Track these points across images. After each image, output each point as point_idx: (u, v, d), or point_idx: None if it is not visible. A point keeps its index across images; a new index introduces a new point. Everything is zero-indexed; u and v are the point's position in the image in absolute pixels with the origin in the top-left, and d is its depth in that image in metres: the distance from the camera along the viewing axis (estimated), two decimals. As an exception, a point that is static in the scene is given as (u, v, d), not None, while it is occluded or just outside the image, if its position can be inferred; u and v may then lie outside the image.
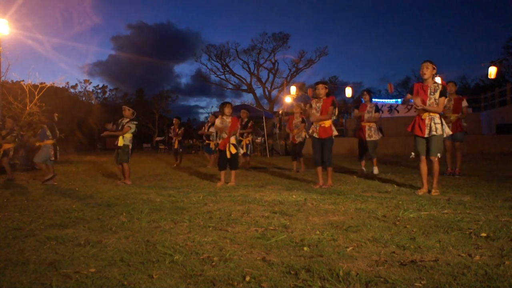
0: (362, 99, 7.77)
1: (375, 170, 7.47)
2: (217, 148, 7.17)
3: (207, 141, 11.35)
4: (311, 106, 6.10)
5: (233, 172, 6.59)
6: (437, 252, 2.53)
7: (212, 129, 10.72)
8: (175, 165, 11.29)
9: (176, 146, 11.54)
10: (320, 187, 5.80)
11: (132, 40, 59.41)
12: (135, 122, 7.13)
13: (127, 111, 7.14)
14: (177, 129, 11.64)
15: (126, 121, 7.05)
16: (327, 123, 5.91)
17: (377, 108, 7.59)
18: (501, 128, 14.37)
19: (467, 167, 8.08)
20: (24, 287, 2.12)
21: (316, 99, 6.03)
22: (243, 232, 3.21)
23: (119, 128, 7.08)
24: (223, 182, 6.52)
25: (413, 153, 5.18)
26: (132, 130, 7.04)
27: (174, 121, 12.09)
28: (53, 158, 7.23)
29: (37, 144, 7.36)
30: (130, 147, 7.06)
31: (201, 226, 3.45)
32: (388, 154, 12.94)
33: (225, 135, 6.56)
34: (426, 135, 4.93)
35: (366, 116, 7.56)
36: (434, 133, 4.88)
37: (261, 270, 2.27)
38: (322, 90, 5.96)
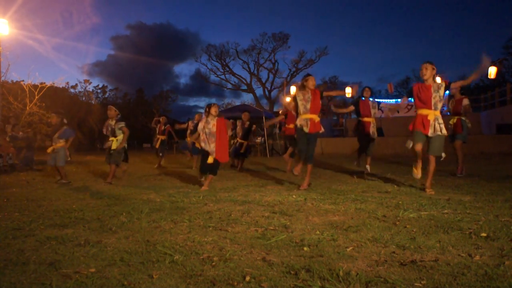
0: (363, 96, 7.69)
1: (369, 168, 7.41)
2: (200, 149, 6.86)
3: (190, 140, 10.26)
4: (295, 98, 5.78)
5: (210, 176, 6.08)
6: (437, 252, 2.53)
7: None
8: (156, 165, 10.59)
9: (157, 146, 10.93)
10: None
11: (131, 40, 59.36)
12: (123, 122, 7.05)
13: (113, 112, 7.04)
14: (163, 126, 11.08)
15: (114, 122, 6.97)
16: (317, 118, 5.73)
17: (378, 105, 7.64)
18: (501, 128, 14.36)
19: (467, 167, 8.07)
20: (24, 287, 2.12)
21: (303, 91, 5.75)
22: (243, 232, 3.21)
23: (109, 131, 7.01)
24: (207, 186, 6.00)
25: (409, 142, 5.12)
26: (118, 130, 6.97)
27: (161, 119, 11.43)
28: (69, 159, 7.27)
29: (54, 147, 7.23)
30: (125, 147, 7.02)
31: (201, 226, 3.45)
32: (388, 154, 12.92)
33: (209, 145, 5.96)
34: (429, 134, 4.96)
35: (372, 112, 7.47)
36: (438, 133, 4.93)
37: (261, 270, 2.27)
38: (311, 81, 5.72)
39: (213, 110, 6.05)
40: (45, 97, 15.01)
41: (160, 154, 10.87)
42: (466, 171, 7.11)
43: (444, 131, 4.94)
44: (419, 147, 5.06)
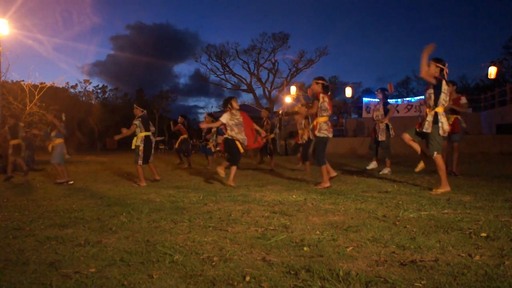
0: (378, 98, 7.89)
1: (385, 170, 7.41)
2: (217, 148, 7.08)
3: (205, 142, 10.73)
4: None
5: (233, 167, 6.31)
6: (437, 252, 2.53)
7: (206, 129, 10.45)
8: (186, 165, 10.73)
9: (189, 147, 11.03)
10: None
11: (131, 40, 59.35)
12: (138, 118, 6.99)
13: (136, 109, 7.14)
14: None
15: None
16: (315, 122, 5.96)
17: (385, 103, 7.70)
18: (501, 128, 14.35)
19: (467, 167, 8.08)
20: (24, 287, 2.12)
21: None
22: (243, 232, 3.21)
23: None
24: (233, 182, 6.29)
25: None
26: (137, 128, 6.91)
27: (180, 119, 11.41)
28: (67, 156, 7.28)
29: (50, 145, 7.31)
30: (141, 147, 6.84)
31: (201, 226, 3.45)
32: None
33: (239, 134, 6.21)
34: (418, 129, 5.14)
35: (374, 114, 7.73)
36: (423, 130, 5.04)
37: (261, 270, 2.27)
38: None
39: (235, 104, 6.37)
40: (45, 97, 15.00)
41: (186, 154, 10.89)
42: (466, 171, 7.11)
43: (429, 129, 5.00)
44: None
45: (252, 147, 6.45)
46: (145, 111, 7.21)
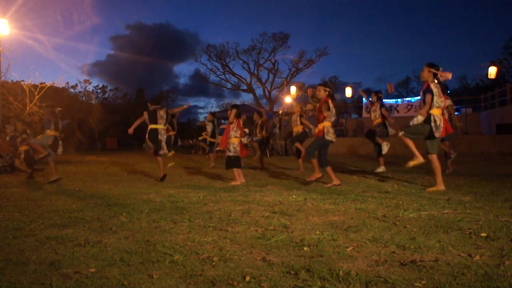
0: (372, 101, 8.34)
1: (383, 146, 7.75)
2: (217, 148, 7.39)
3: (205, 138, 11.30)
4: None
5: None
6: (437, 252, 2.53)
7: (207, 127, 11.16)
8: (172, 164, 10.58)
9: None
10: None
11: (131, 40, 59.38)
12: (146, 111, 7.41)
13: (150, 107, 7.42)
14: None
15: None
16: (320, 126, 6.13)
17: (382, 105, 8.10)
18: (501, 128, 14.34)
19: (467, 167, 8.08)
20: (24, 287, 2.12)
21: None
22: (243, 232, 3.21)
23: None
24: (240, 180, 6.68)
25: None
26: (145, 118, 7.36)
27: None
28: (50, 150, 7.42)
29: (40, 136, 7.60)
30: (147, 137, 7.32)
31: (201, 226, 3.45)
32: (388, 154, 12.88)
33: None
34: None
35: (372, 115, 8.23)
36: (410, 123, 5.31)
37: (261, 270, 2.27)
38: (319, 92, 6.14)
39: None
40: (45, 97, 15.00)
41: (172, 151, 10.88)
42: (466, 171, 7.11)
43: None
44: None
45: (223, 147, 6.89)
46: (157, 107, 7.43)
